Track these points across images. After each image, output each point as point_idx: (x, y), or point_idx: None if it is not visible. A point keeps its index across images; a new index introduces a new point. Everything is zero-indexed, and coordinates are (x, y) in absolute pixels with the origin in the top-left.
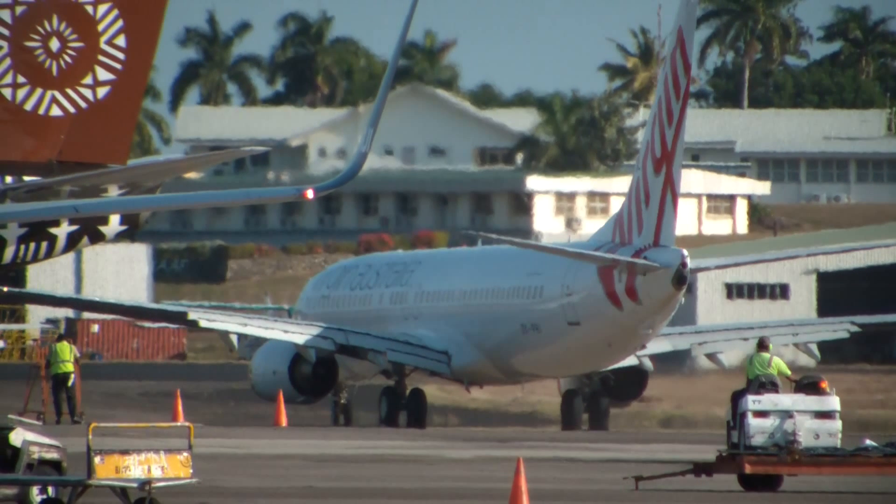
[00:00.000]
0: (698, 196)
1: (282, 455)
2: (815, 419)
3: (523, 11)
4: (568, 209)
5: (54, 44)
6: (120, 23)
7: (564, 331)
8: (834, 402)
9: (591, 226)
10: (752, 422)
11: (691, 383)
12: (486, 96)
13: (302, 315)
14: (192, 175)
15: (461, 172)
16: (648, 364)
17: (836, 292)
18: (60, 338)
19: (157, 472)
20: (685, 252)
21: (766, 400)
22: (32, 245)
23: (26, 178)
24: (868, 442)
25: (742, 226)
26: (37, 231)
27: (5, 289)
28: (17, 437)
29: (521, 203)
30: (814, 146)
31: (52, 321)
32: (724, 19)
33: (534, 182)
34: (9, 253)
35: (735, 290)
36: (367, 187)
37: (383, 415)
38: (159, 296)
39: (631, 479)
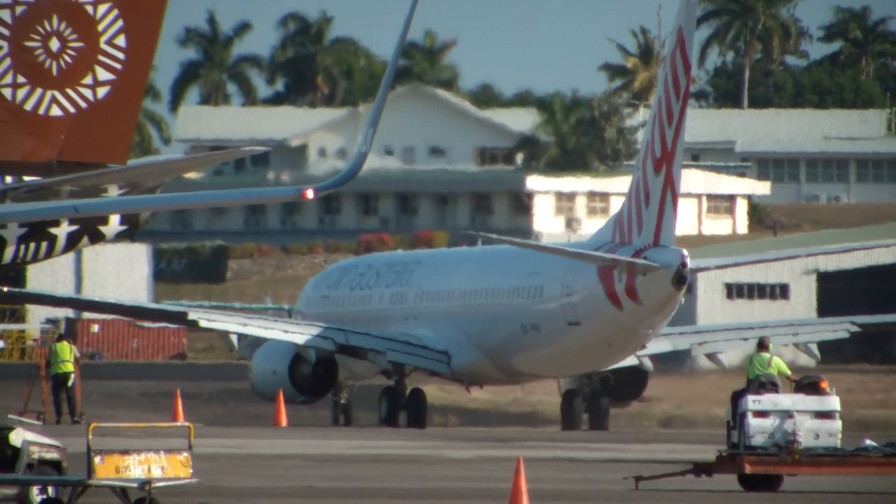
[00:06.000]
0: (698, 196)
1: (282, 455)
2: (815, 419)
3: (523, 11)
4: (568, 209)
5: (54, 44)
6: (120, 23)
7: (564, 331)
8: (834, 402)
9: (591, 226)
10: (752, 422)
11: (691, 383)
12: (486, 96)
13: (302, 315)
14: (192, 175)
15: (461, 172)
16: (648, 364)
17: (836, 292)
18: (60, 338)
19: (157, 472)
20: (685, 252)
21: (766, 400)
22: (32, 245)
23: (26, 178)
24: (868, 442)
25: (742, 226)
26: (37, 231)
27: (5, 289)
28: (17, 437)
29: (521, 203)
30: (814, 146)
31: (52, 321)
32: (724, 19)
33: (534, 182)
34: (9, 253)
35: (735, 290)
36: (367, 187)
37: (383, 415)
38: (159, 296)
39: (631, 479)
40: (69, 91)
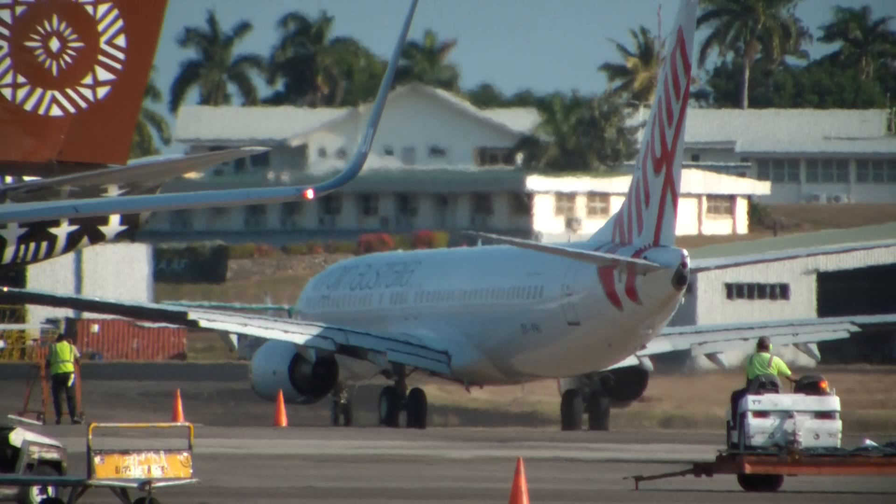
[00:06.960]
0: (698, 196)
1: (282, 455)
2: (815, 419)
3: (523, 11)
4: (568, 209)
5: (54, 44)
6: (120, 23)
7: (564, 331)
8: (834, 402)
9: (591, 226)
10: (752, 422)
11: (691, 383)
12: (486, 96)
13: (302, 315)
14: (192, 175)
15: (461, 172)
16: (648, 364)
17: (836, 292)
18: (60, 338)
19: (157, 472)
20: (685, 252)
21: (766, 400)
22: (32, 245)
23: (26, 178)
24: (868, 442)
25: (742, 226)
26: (37, 231)
27: (5, 289)
28: (17, 437)
29: (521, 203)
30: (814, 146)
31: (52, 321)
32: (724, 19)
33: (534, 182)
34: (9, 253)
35: (735, 290)
36: (367, 187)
37: (383, 415)
38: (159, 296)
39: (631, 479)
40: (69, 91)
